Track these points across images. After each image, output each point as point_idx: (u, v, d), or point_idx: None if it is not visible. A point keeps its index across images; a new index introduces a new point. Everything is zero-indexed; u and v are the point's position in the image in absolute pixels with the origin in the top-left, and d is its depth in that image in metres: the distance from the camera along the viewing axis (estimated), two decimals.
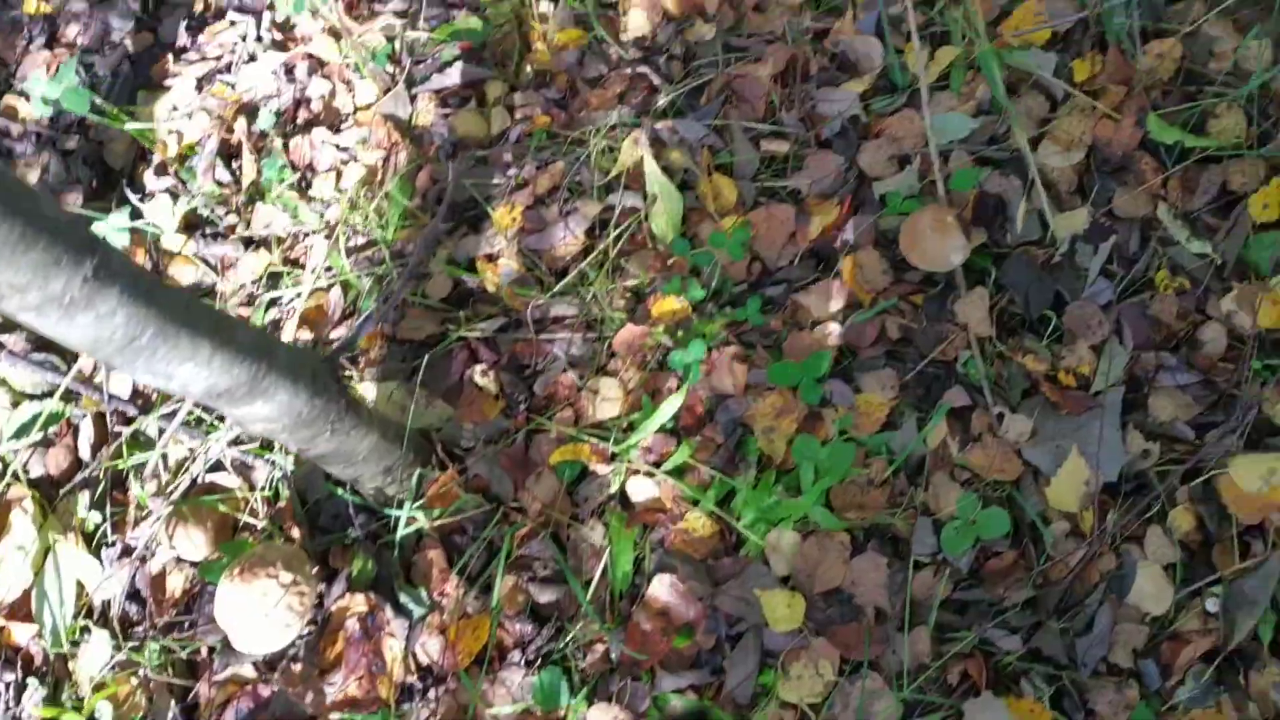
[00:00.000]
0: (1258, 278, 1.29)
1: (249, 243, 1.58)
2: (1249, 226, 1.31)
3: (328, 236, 1.48)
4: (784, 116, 1.47)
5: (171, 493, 1.41)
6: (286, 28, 1.77)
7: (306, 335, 1.48)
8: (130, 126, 1.65)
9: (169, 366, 0.72)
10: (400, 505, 1.27)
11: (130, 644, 1.29)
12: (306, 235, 1.56)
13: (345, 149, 1.59)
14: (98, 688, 1.28)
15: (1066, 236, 1.32)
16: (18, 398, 1.49)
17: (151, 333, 0.69)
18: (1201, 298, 1.31)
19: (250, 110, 1.72)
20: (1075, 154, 1.36)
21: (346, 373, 1.38)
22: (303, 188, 1.61)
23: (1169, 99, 1.36)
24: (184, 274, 1.62)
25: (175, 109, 1.76)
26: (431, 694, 1.20)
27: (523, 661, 1.19)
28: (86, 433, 1.45)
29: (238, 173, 1.66)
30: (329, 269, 1.46)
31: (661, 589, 1.19)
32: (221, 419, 1.39)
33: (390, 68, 1.64)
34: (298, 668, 1.23)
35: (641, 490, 1.27)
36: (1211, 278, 1.31)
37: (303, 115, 1.68)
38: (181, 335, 0.71)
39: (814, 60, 1.48)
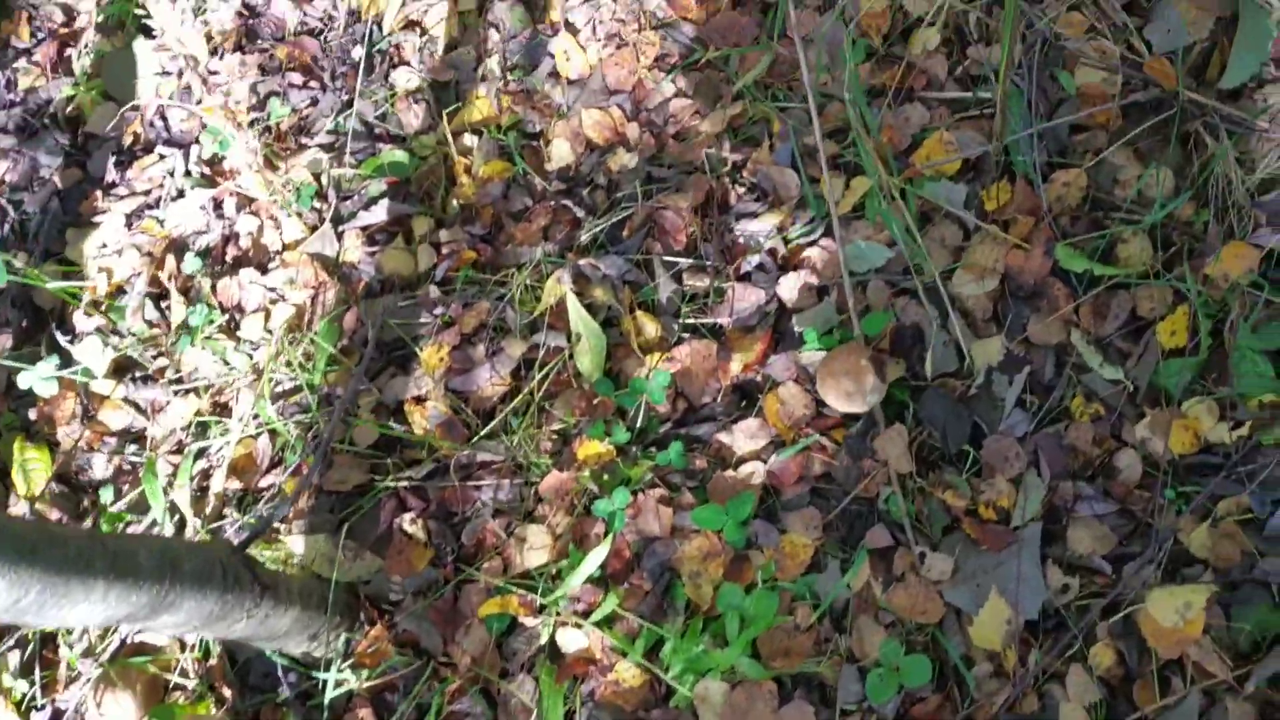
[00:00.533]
0: (1169, 403, 1.37)
1: (179, 386, 1.64)
2: (1158, 352, 1.39)
3: (255, 383, 1.54)
4: (705, 249, 1.55)
5: (101, 653, 1.46)
6: (214, 162, 1.85)
7: (236, 485, 1.54)
8: (53, 286, 1.72)
9: (60, 613, 0.78)
10: (329, 667, 1.33)
11: None
12: (235, 379, 1.62)
13: (273, 289, 1.66)
14: None
15: (983, 367, 1.40)
16: None
17: (38, 590, 0.74)
18: (1116, 424, 1.39)
19: (179, 247, 1.79)
20: (989, 282, 1.45)
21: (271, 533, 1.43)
22: (231, 328, 1.67)
23: (1078, 225, 1.46)
24: (114, 419, 1.68)
25: (104, 246, 1.83)
26: None
27: None
28: None
29: (167, 312, 1.73)
30: (256, 416, 1.52)
31: None
32: None
33: (317, 203, 1.72)
34: None
35: (571, 641, 1.33)
36: (1125, 404, 1.39)
37: (231, 252, 1.76)
38: (72, 584, 0.77)
39: (733, 191, 1.57)
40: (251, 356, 1.64)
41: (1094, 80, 1.48)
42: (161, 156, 1.93)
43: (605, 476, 1.41)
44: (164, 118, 1.97)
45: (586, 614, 1.34)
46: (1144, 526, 1.35)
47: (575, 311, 1.51)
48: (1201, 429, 1.37)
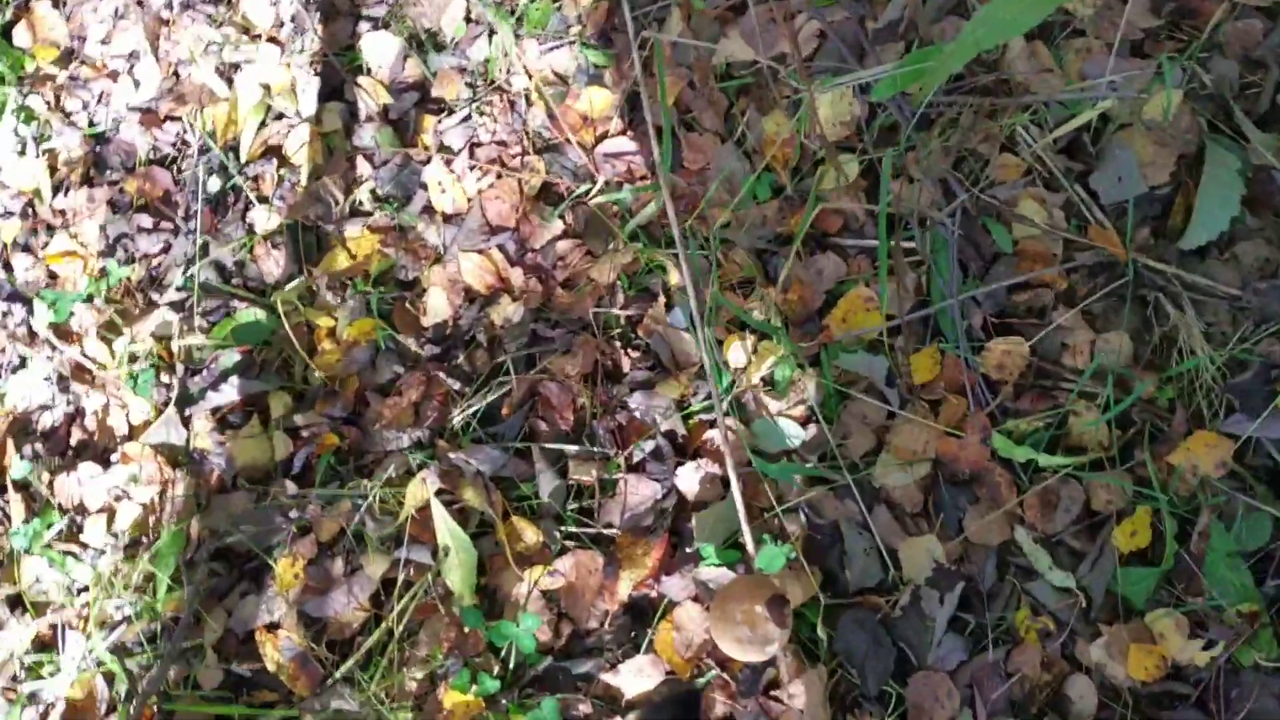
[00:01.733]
0: (1129, 617, 1.28)
1: (15, 603, 1.60)
2: (1116, 556, 1.30)
3: (86, 616, 1.50)
4: (595, 428, 1.47)
5: None
6: (61, 322, 1.79)
7: None
8: None
9: None
10: None
11: None
12: (78, 592, 1.58)
13: (116, 487, 1.60)
14: None
15: (911, 579, 1.31)
16: None
17: None
18: (1068, 643, 1.32)
19: (20, 427, 1.74)
20: (919, 468, 1.37)
21: None
22: (74, 532, 1.62)
23: (1021, 400, 1.36)
24: None
25: None
26: None
27: None
28: None
29: (5, 507, 1.69)
30: (91, 651, 1.48)
31: None
32: None
33: (166, 376, 1.66)
34: None
35: None
36: (1078, 618, 1.30)
37: (76, 435, 1.72)
38: None
39: (625, 355, 1.49)
40: (95, 567, 1.60)
41: (1034, 234, 1.37)
42: (4, 314, 1.88)
43: None
44: (7, 265, 1.92)
45: None
46: None
47: (442, 521, 1.45)
48: (1168, 649, 1.29)
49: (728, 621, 1.30)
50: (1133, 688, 1.30)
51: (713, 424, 1.50)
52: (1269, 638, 1.29)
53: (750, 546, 1.36)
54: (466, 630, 1.43)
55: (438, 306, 1.69)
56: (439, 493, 1.51)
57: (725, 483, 1.47)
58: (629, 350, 1.56)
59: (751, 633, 1.29)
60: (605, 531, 1.47)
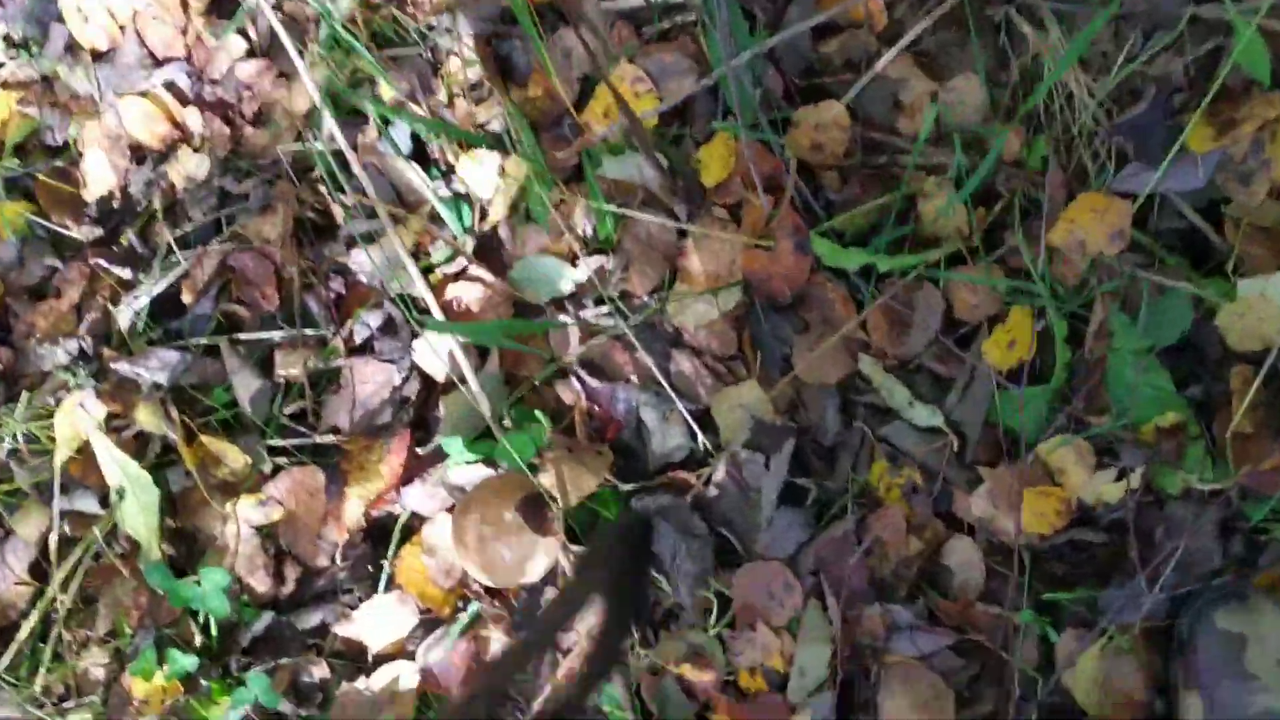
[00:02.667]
0: (1017, 455, 0.97)
1: None
2: (991, 377, 0.98)
3: None
4: (308, 303, 1.11)
5: None
6: None
7: None
8: None
9: None
10: None
11: None
12: None
13: None
14: None
15: (731, 447, 0.99)
16: None
17: None
18: (941, 499, 1.00)
19: None
20: (726, 296, 1.03)
21: None
22: None
23: (849, 185, 1.02)
24: None
25: None
26: None
27: None
28: None
29: None
30: None
31: None
32: None
33: None
34: None
35: None
36: (951, 464, 0.99)
37: None
38: None
39: (336, 204, 1.11)
40: None
41: None
42: None
43: None
44: None
45: None
46: (997, 668, 0.97)
47: (107, 454, 1.09)
48: (1070, 487, 0.99)
49: (470, 541, 0.96)
50: (1029, 545, 1.00)
51: (459, 276, 1.14)
52: (1199, 454, 0.98)
53: (502, 437, 1.02)
54: (158, 593, 1.08)
55: (98, 174, 1.28)
56: (110, 418, 1.14)
57: (483, 353, 1.12)
58: (340, 196, 1.18)
59: (505, 550, 0.95)
60: (329, 440, 1.12)
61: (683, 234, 1.08)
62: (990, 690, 0.97)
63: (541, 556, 0.95)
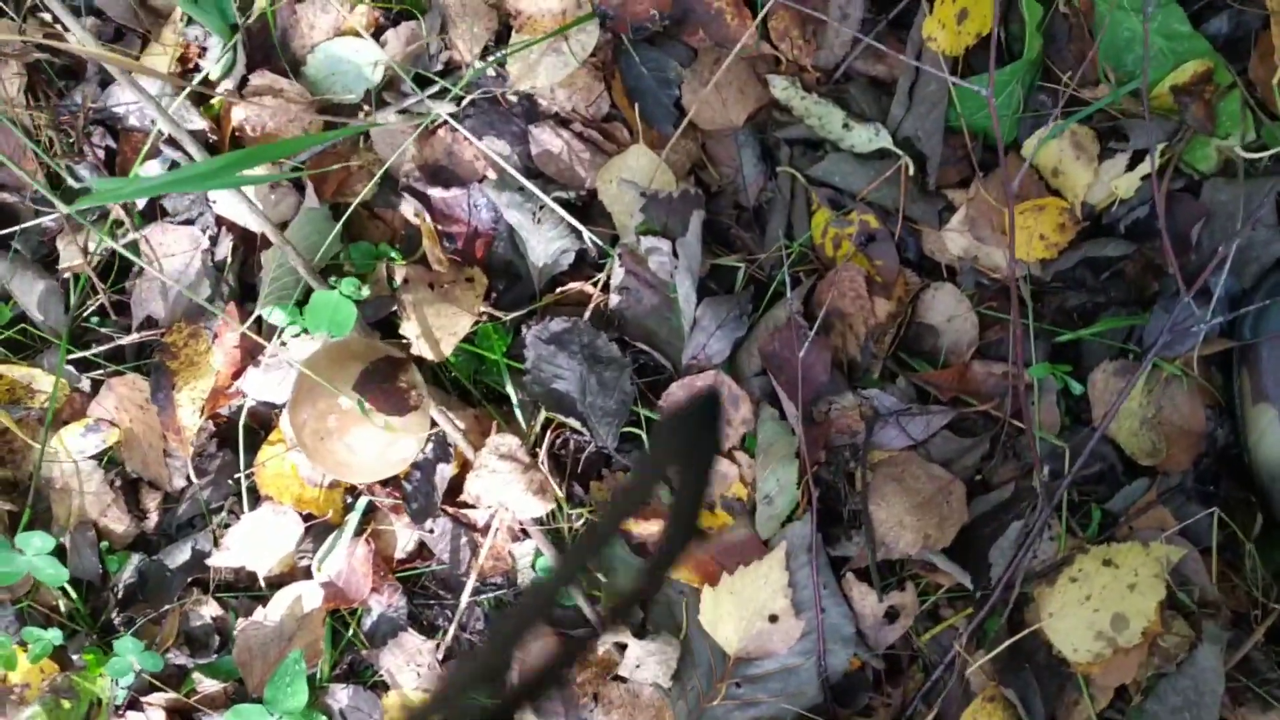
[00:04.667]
0: (997, 162, 0.76)
1: None
2: (944, 66, 0.75)
3: None
4: (75, 170, 0.89)
5: None
6: None
7: None
8: None
9: None
10: None
11: None
12: None
13: None
14: None
15: (623, 239, 0.79)
16: None
17: None
18: (907, 240, 0.80)
19: None
20: (584, 39, 0.81)
21: None
22: None
23: None
24: None
25: None
26: None
27: None
28: None
29: None
30: None
31: None
32: None
33: None
34: None
35: None
36: (912, 194, 0.78)
37: None
38: None
39: (69, 31, 0.88)
40: None
41: None
42: None
43: (65, 704, 0.87)
44: None
45: None
46: (1011, 440, 0.78)
47: None
48: (1071, 190, 0.77)
49: (309, 440, 0.76)
50: (1030, 276, 0.78)
51: (242, 91, 0.89)
52: (1235, 110, 0.74)
53: (319, 291, 0.80)
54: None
55: None
56: None
57: (298, 185, 0.89)
58: (73, 22, 0.92)
59: (355, 442, 0.75)
60: (143, 338, 0.91)
61: None
62: (1007, 469, 0.78)
63: (407, 439, 0.75)
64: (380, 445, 0.75)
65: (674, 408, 0.81)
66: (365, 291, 0.76)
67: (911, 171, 0.78)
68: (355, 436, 0.74)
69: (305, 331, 0.83)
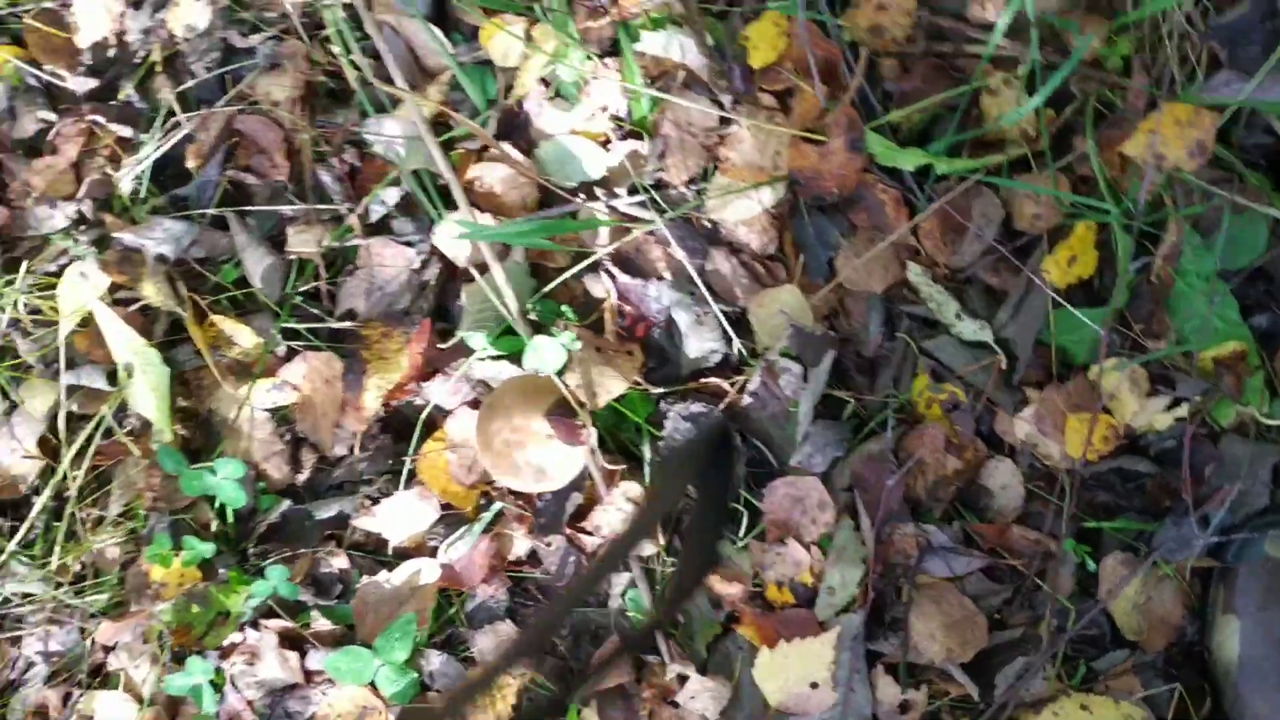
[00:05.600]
0: (1067, 376, 0.96)
1: None
2: (1048, 295, 0.96)
3: None
4: (320, 175, 1.07)
5: None
6: None
7: None
8: None
9: None
10: None
11: None
12: None
13: None
14: None
15: (767, 355, 0.98)
16: None
17: None
18: (984, 418, 0.99)
19: None
20: (769, 192, 0.99)
21: None
22: None
23: (909, 77, 0.97)
24: None
25: None
26: None
27: None
28: None
29: None
30: None
31: None
32: None
33: None
34: None
35: None
36: (997, 384, 0.98)
37: None
38: None
39: (349, 65, 1.06)
40: None
41: None
42: None
43: (194, 609, 1.03)
44: None
45: None
46: (1030, 593, 0.98)
47: (113, 328, 1.07)
48: (1120, 413, 0.98)
49: (495, 445, 0.95)
50: (1072, 469, 0.98)
51: (481, 154, 1.09)
52: (1259, 387, 0.96)
53: (525, 335, 0.99)
54: (172, 475, 1.08)
55: (91, 17, 1.21)
56: (113, 289, 1.11)
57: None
58: (352, 58, 1.11)
59: (529, 457, 0.94)
60: (346, 325, 1.09)
61: (726, 121, 1.02)
62: (1022, 615, 0.98)
63: (569, 465, 0.94)
64: (548, 464, 0.93)
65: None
66: (578, 345, 0.95)
67: (1004, 366, 0.99)
68: (532, 452, 0.92)
69: (495, 358, 1.02)
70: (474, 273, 1.04)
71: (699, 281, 1.02)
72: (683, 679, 1.00)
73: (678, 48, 1.01)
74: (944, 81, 0.99)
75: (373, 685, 1.02)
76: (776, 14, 0.99)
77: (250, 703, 1.06)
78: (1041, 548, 0.99)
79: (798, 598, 1.00)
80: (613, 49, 1.04)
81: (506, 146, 1.07)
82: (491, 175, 1.07)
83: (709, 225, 1.04)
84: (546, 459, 0.94)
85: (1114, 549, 0.98)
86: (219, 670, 1.04)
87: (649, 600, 1.00)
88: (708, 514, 0.41)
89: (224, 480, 1.02)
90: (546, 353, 0.94)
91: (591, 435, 0.97)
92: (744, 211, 1.02)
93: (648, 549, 0.99)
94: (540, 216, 1.06)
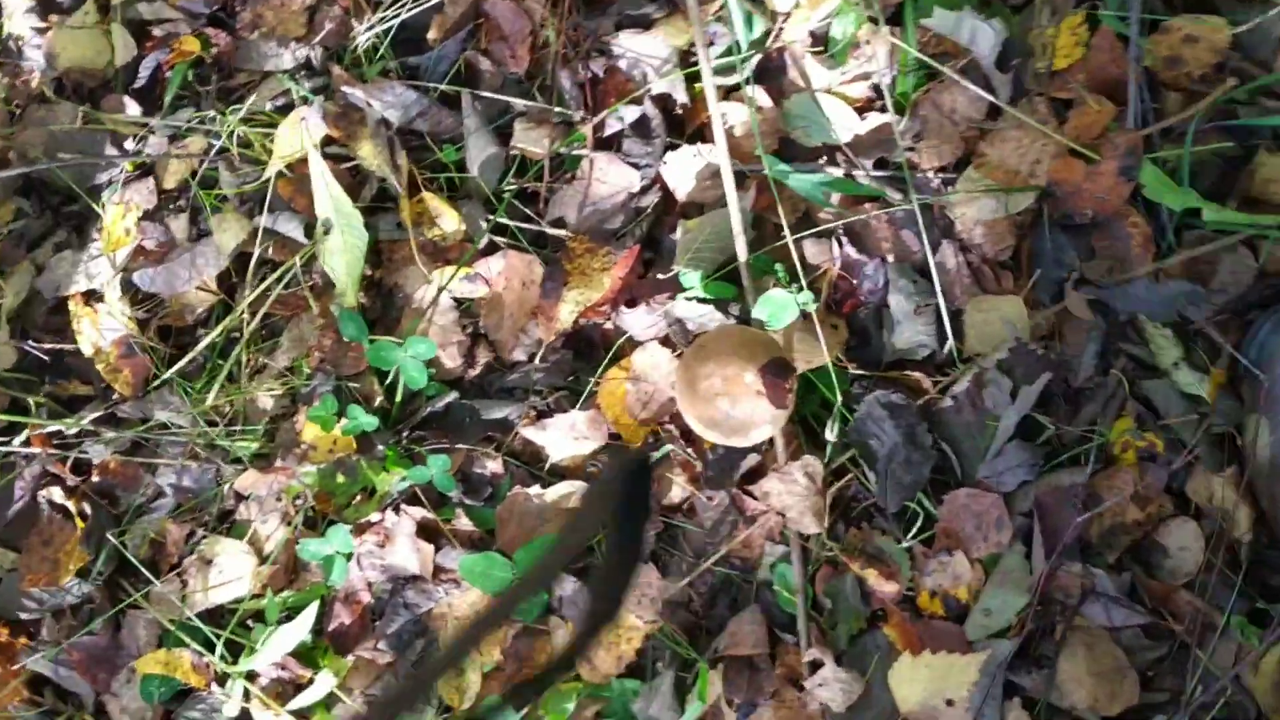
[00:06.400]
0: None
1: None
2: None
3: None
4: (560, 77, 1.05)
5: None
6: None
7: None
8: None
9: None
10: None
11: None
12: None
13: None
14: None
15: (977, 357, 0.95)
16: None
17: None
18: (1179, 474, 0.96)
19: None
20: (1020, 198, 0.97)
21: None
22: None
23: (1204, 116, 0.93)
24: None
25: None
26: None
27: None
28: None
29: None
30: None
31: None
32: None
33: None
34: None
35: None
36: (1202, 439, 0.94)
37: None
38: None
39: None
40: None
41: None
42: None
43: (340, 478, 1.02)
44: None
45: (298, 688, 1.01)
46: (1183, 657, 0.95)
47: (323, 183, 1.06)
48: None
49: (701, 390, 0.93)
50: (1256, 545, 0.95)
51: (729, 92, 1.06)
52: None
53: (748, 283, 0.97)
54: (346, 341, 1.07)
55: None
56: (325, 141, 1.10)
57: (741, 180, 1.06)
58: None
59: (732, 409, 0.92)
60: (553, 231, 1.07)
61: (994, 115, 0.99)
62: (1171, 680, 0.96)
63: (767, 426, 0.92)
64: (750, 420, 0.91)
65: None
66: (814, 306, 0.92)
67: (1206, 396, 0.95)
68: (737, 405, 0.90)
69: (701, 300, 0.99)
70: (735, 222, 1.02)
71: (933, 270, 0.99)
72: (816, 665, 0.98)
73: (967, 31, 0.98)
74: (1222, 130, 0.96)
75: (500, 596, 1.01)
76: (1080, 17, 0.95)
77: (370, 584, 1.05)
78: (1206, 618, 0.96)
79: (948, 611, 0.98)
80: (896, 17, 1.01)
81: (759, 91, 1.04)
82: (734, 116, 1.05)
83: (947, 218, 1.01)
84: (750, 414, 0.91)
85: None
86: (336, 559, 1.03)
87: (799, 577, 0.98)
88: (624, 547, 0.38)
89: (411, 358, 1.00)
90: (780, 307, 0.92)
91: (793, 402, 0.94)
92: (988, 212, 1.00)
93: (810, 527, 0.96)
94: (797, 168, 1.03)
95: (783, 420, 0.93)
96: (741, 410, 0.92)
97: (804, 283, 1.00)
